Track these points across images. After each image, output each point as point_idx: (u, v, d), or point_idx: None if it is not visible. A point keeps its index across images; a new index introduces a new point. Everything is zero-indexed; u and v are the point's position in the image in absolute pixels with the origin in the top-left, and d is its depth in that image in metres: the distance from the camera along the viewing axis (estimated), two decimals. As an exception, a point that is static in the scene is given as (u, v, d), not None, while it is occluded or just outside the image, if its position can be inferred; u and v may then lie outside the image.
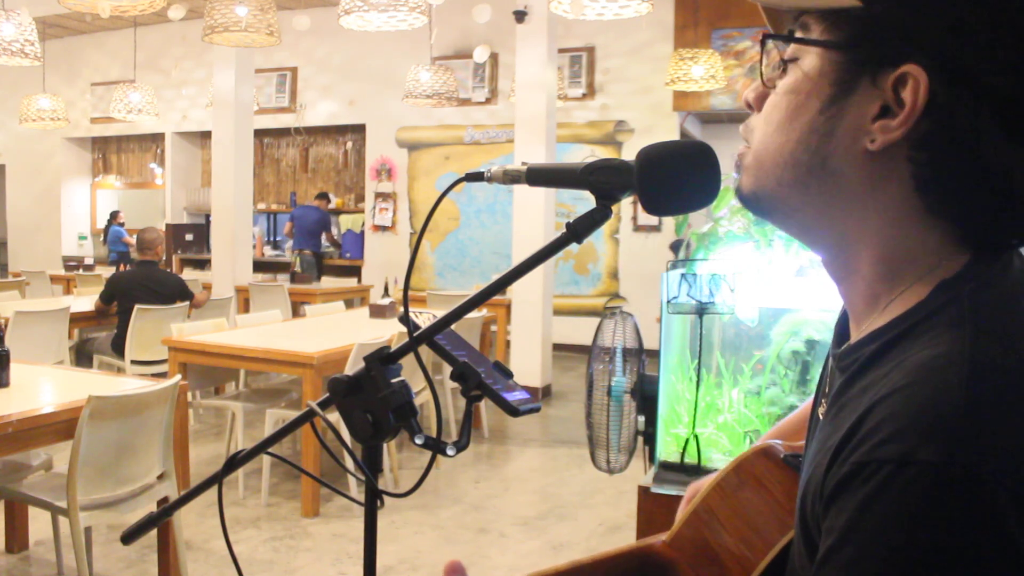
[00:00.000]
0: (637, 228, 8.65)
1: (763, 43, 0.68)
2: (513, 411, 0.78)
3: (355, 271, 9.88)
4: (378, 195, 9.79)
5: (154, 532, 2.98)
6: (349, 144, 10.31)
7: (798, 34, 0.66)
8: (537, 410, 0.80)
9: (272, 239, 11.04)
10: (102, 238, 11.27)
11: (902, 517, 0.51)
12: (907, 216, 0.62)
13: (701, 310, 2.09)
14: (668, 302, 2.11)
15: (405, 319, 0.80)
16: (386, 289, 5.67)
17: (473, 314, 5.08)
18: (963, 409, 0.52)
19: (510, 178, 0.79)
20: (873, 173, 0.62)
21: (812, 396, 1.05)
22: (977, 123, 0.58)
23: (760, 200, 0.69)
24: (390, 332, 4.51)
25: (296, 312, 7.09)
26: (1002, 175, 0.59)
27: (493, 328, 6.24)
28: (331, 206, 9.91)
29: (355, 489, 4.04)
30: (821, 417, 0.69)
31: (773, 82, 0.68)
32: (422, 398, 4.34)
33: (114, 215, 10.85)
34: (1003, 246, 0.62)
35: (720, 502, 0.83)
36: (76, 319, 5.64)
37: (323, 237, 9.47)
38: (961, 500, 0.50)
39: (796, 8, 0.66)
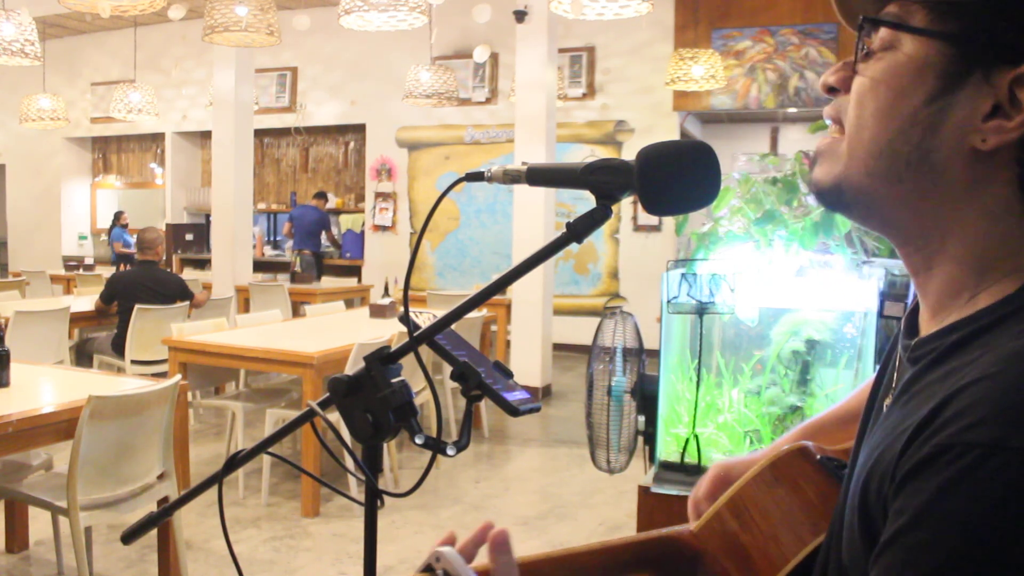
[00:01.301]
0: (637, 228, 8.65)
1: (861, 27, 0.64)
2: (513, 411, 0.78)
3: (355, 271, 9.88)
4: (378, 195, 9.79)
5: (154, 532, 2.98)
6: (350, 144, 10.31)
7: (898, 18, 0.62)
8: (537, 410, 0.80)
9: (272, 239, 11.04)
10: (106, 237, 11.27)
11: (986, 503, 0.49)
12: (1005, 214, 0.60)
13: (701, 310, 2.09)
14: (668, 302, 2.11)
15: (405, 319, 0.81)
16: (386, 289, 5.67)
17: (473, 314, 5.08)
18: None
19: (510, 178, 0.79)
20: (976, 172, 0.60)
21: (837, 403, 1.03)
22: None
23: (843, 191, 0.66)
24: (390, 332, 4.51)
25: (296, 312, 7.09)
26: None
27: (493, 328, 6.24)
28: (329, 205, 9.89)
29: (355, 489, 4.04)
30: (886, 408, 0.67)
31: (859, 66, 0.64)
32: (422, 398, 4.34)
33: (118, 216, 10.74)
34: None
35: (753, 498, 0.82)
36: (76, 319, 5.64)
37: (323, 236, 9.47)
38: None
39: None
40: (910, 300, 0.72)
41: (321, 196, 9.65)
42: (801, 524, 0.78)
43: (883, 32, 0.63)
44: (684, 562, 0.86)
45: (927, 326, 0.66)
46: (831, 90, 0.67)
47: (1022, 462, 0.49)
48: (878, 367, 0.77)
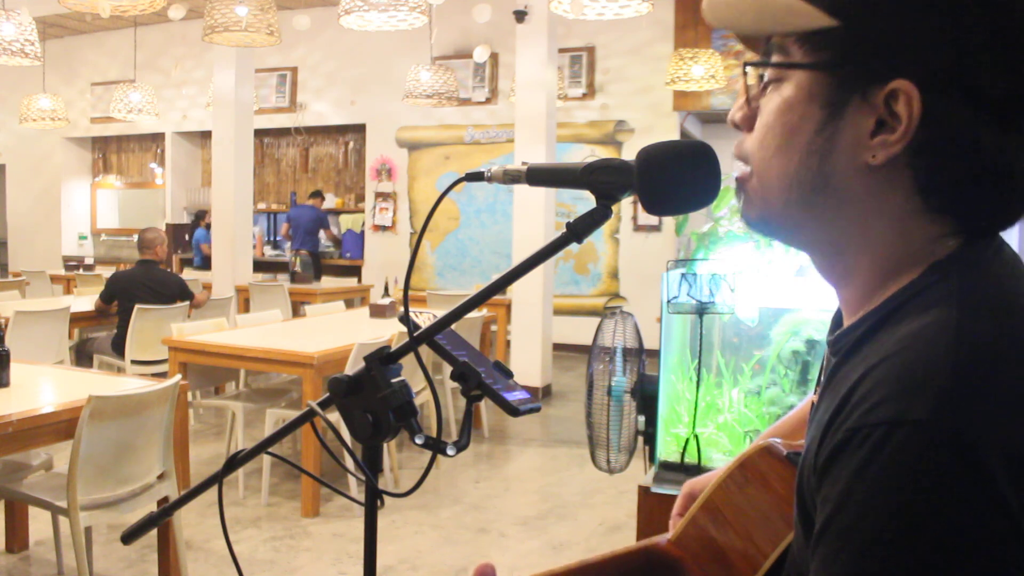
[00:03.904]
0: (637, 228, 8.65)
1: (744, 69, 0.69)
2: (513, 411, 0.78)
3: (355, 271, 9.88)
4: (378, 195, 9.79)
5: (154, 532, 2.98)
6: (350, 144, 10.31)
7: (777, 58, 0.67)
8: (537, 410, 0.81)
9: (272, 239, 11.03)
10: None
11: (896, 478, 0.52)
12: (908, 217, 0.64)
13: (701, 310, 2.09)
14: (668, 302, 2.11)
15: (405, 319, 0.81)
16: (386, 289, 5.67)
17: (473, 314, 5.08)
18: (950, 372, 0.54)
19: (510, 178, 0.79)
20: (874, 185, 0.64)
21: (811, 394, 1.05)
22: (973, 124, 0.60)
23: (769, 223, 0.71)
24: (390, 332, 4.51)
25: (296, 312, 7.09)
26: (1001, 165, 0.60)
27: (493, 328, 6.24)
28: (326, 204, 9.83)
29: (355, 489, 4.04)
30: (816, 402, 0.70)
31: (757, 102, 0.69)
32: (422, 398, 4.34)
33: (201, 215, 10.00)
34: (996, 229, 0.65)
35: (725, 500, 0.83)
36: (76, 319, 5.63)
37: (321, 235, 9.44)
38: (951, 458, 0.51)
39: (772, 33, 0.67)
40: None
41: (317, 195, 9.61)
42: (774, 521, 0.79)
43: (771, 70, 0.67)
44: (664, 572, 0.86)
45: (847, 322, 0.70)
46: (737, 127, 0.72)
47: (922, 433, 0.52)
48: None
